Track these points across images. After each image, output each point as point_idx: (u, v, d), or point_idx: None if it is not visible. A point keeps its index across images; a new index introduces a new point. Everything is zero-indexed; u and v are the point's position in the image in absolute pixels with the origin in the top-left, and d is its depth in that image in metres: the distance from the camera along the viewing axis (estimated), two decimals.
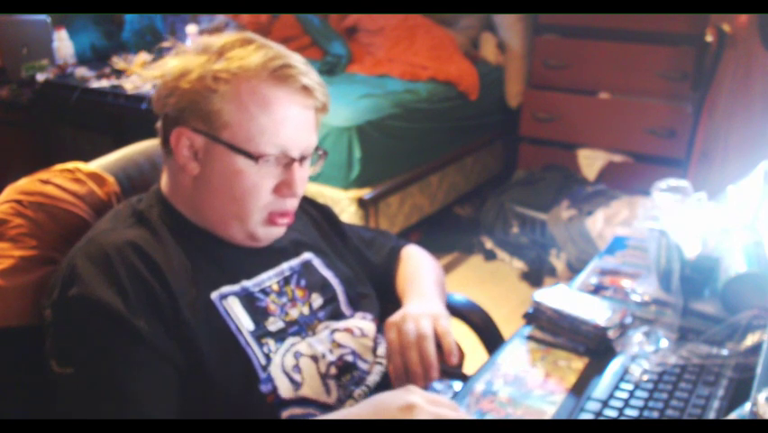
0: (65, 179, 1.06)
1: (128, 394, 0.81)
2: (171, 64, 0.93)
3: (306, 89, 0.93)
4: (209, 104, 0.90)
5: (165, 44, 1.00)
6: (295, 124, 0.93)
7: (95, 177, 1.10)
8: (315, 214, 1.18)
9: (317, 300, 1.04)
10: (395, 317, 1.01)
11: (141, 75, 0.99)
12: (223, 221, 0.96)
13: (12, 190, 1.03)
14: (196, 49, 0.94)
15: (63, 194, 1.04)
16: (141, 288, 0.86)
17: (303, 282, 1.04)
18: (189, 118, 0.91)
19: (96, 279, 0.85)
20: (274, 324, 0.97)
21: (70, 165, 1.09)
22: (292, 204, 0.98)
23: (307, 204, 1.18)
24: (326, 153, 1.04)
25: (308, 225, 1.14)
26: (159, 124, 0.97)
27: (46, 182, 1.04)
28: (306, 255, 1.08)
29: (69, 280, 0.86)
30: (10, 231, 0.98)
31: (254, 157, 0.91)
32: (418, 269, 1.19)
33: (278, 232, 1.00)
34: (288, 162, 0.94)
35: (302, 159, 0.96)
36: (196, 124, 0.91)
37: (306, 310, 1.02)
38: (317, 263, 1.08)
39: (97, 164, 1.14)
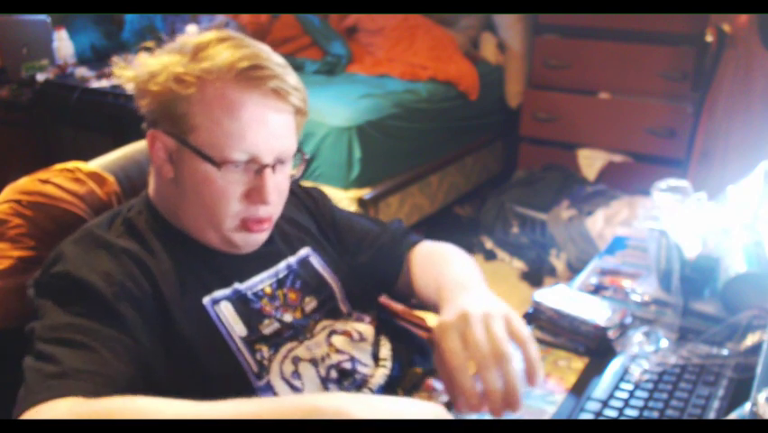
0: (65, 179, 1.05)
1: (87, 347, 0.77)
2: (149, 62, 0.90)
3: (276, 92, 0.89)
4: (177, 107, 0.87)
5: (148, 44, 0.96)
6: (266, 128, 0.88)
7: (95, 176, 1.09)
8: (309, 203, 1.13)
9: (311, 304, 1.01)
10: (450, 318, 0.79)
11: (118, 76, 0.96)
12: (199, 227, 0.93)
13: (11, 190, 1.02)
14: (172, 48, 0.91)
15: (63, 194, 1.03)
16: (130, 285, 0.85)
17: (298, 284, 1.01)
18: (161, 120, 0.90)
19: (84, 262, 0.84)
20: (269, 326, 0.95)
21: (70, 165, 1.08)
22: (266, 211, 0.92)
23: (301, 192, 1.14)
24: (311, 159, 1.00)
25: (305, 216, 1.11)
26: (144, 125, 0.95)
27: (45, 182, 1.04)
28: (304, 251, 1.05)
29: (54, 261, 0.85)
30: (9, 231, 0.98)
31: (217, 163, 0.87)
32: (447, 258, 1.03)
33: (258, 238, 0.96)
34: (259, 168, 0.89)
35: (277, 164, 0.91)
36: (167, 127, 0.89)
37: (298, 315, 0.99)
38: (315, 261, 1.06)
39: (97, 164, 1.13)
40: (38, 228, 0.99)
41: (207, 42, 0.89)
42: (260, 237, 0.96)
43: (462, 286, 0.90)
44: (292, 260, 1.03)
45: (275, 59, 0.91)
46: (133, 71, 0.91)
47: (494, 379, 0.74)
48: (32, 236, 0.99)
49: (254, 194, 0.90)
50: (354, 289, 1.07)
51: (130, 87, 0.94)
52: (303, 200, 1.13)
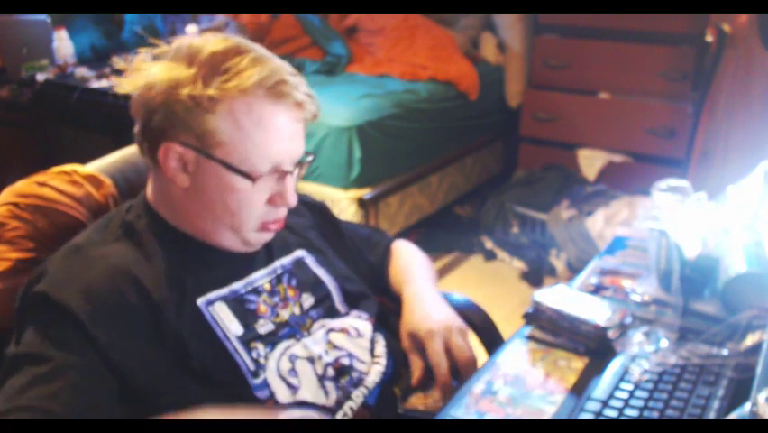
0: (62, 182, 1.06)
1: (51, 391, 0.79)
2: (155, 71, 0.89)
3: (299, 105, 0.92)
4: (203, 123, 0.87)
5: (155, 42, 0.95)
6: (288, 138, 0.92)
7: (92, 179, 1.09)
8: (309, 212, 1.17)
9: (308, 300, 1.03)
10: (434, 326, 1.02)
11: (120, 85, 0.94)
12: (216, 231, 0.95)
13: (8, 193, 1.03)
14: (178, 55, 0.90)
15: (60, 196, 1.04)
16: (114, 299, 0.86)
17: (294, 282, 1.04)
18: (179, 133, 0.89)
19: (65, 281, 0.85)
20: (264, 326, 0.96)
21: (67, 168, 1.09)
22: (284, 212, 0.98)
23: (302, 201, 1.16)
24: (314, 156, 1.02)
25: (303, 223, 1.14)
26: (137, 129, 0.94)
27: (43, 185, 1.04)
28: (299, 253, 1.08)
29: (38, 277, 0.87)
30: (7, 233, 0.98)
31: (251, 177, 0.90)
32: (412, 263, 1.20)
33: (269, 236, 1.00)
34: (281, 175, 0.93)
35: (292, 171, 0.95)
36: (187, 139, 0.89)
37: (297, 310, 1.01)
38: (310, 261, 1.08)
39: (94, 166, 1.14)
40: (36, 230, 1.00)
41: (224, 54, 0.89)
42: (271, 235, 1.00)
43: (422, 297, 1.10)
44: (286, 260, 1.05)
45: (289, 69, 0.93)
46: (144, 79, 0.89)
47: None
48: (30, 238, 0.99)
49: (278, 199, 0.95)
50: (352, 290, 1.09)
51: (135, 94, 0.93)
52: (308, 212, 1.16)
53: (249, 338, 0.94)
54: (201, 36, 0.92)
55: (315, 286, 1.05)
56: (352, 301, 1.08)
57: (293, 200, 0.96)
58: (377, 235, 1.26)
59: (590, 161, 3.11)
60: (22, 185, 1.04)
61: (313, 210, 1.18)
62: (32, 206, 1.01)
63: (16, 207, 1.00)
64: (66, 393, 0.79)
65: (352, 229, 1.23)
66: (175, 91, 0.87)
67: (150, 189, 0.98)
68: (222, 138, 0.88)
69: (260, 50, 0.93)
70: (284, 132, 0.91)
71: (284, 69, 0.92)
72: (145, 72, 0.90)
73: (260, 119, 0.88)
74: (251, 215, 0.94)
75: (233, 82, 0.87)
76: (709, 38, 2.41)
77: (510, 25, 3.27)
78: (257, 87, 0.88)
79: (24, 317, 0.85)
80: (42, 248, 0.99)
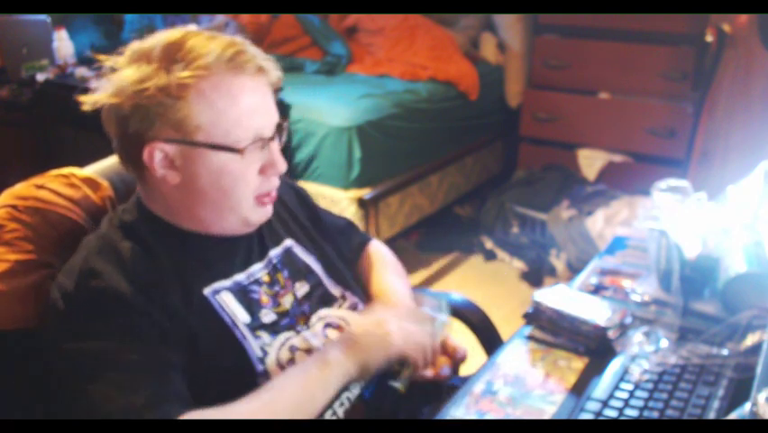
0: (60, 184, 1.06)
1: (138, 372, 0.83)
2: (120, 77, 0.90)
3: (260, 70, 0.93)
4: (177, 111, 0.88)
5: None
6: (259, 105, 0.94)
7: (89, 182, 1.10)
8: (289, 198, 1.18)
9: (302, 289, 1.05)
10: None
11: (88, 101, 0.96)
12: (215, 218, 0.96)
13: (7, 195, 1.03)
14: (134, 57, 0.91)
15: (58, 199, 1.04)
16: (153, 291, 0.89)
17: (286, 272, 1.05)
18: (157, 130, 0.90)
19: (116, 275, 0.88)
20: (267, 315, 0.99)
21: (65, 170, 1.10)
22: (276, 182, 0.99)
23: (282, 188, 1.18)
24: (287, 124, 1.02)
25: (287, 212, 1.15)
26: (115, 144, 0.95)
27: (41, 187, 1.04)
28: (287, 242, 1.09)
29: (88, 274, 0.88)
30: (6, 235, 0.98)
31: (238, 150, 0.91)
32: (394, 282, 1.19)
33: (269, 210, 1.01)
34: (263, 144, 0.94)
35: (273, 137, 0.97)
36: (167, 134, 0.90)
37: (292, 299, 1.04)
38: (298, 250, 1.10)
39: (92, 169, 1.15)
40: (34, 232, 1.00)
41: (179, 41, 0.91)
42: (269, 211, 1.01)
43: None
44: (278, 250, 1.07)
45: (241, 39, 0.94)
46: (113, 87, 0.90)
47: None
48: (28, 240, 0.99)
49: (268, 168, 0.96)
50: (338, 274, 1.11)
51: (105, 108, 0.94)
52: (282, 195, 1.16)
53: (255, 326, 0.96)
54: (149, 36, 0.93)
55: (307, 275, 1.08)
56: (344, 283, 1.11)
57: (282, 166, 0.97)
58: (350, 229, 1.27)
59: (590, 161, 3.11)
60: (21, 187, 1.04)
61: (296, 194, 1.20)
62: (30, 208, 1.01)
63: (15, 210, 1.00)
64: (173, 378, 0.85)
65: (329, 218, 1.24)
66: (143, 88, 0.88)
67: (142, 194, 0.99)
68: (199, 121, 0.89)
69: (206, 31, 0.95)
70: (255, 100, 0.93)
71: (237, 40, 0.93)
72: (110, 82, 0.91)
73: (228, 92, 0.90)
74: (247, 190, 0.95)
75: (194, 64, 0.89)
76: (709, 38, 2.41)
77: (510, 25, 3.27)
78: (218, 62, 0.89)
79: (88, 317, 0.86)
80: (41, 250, 0.99)
